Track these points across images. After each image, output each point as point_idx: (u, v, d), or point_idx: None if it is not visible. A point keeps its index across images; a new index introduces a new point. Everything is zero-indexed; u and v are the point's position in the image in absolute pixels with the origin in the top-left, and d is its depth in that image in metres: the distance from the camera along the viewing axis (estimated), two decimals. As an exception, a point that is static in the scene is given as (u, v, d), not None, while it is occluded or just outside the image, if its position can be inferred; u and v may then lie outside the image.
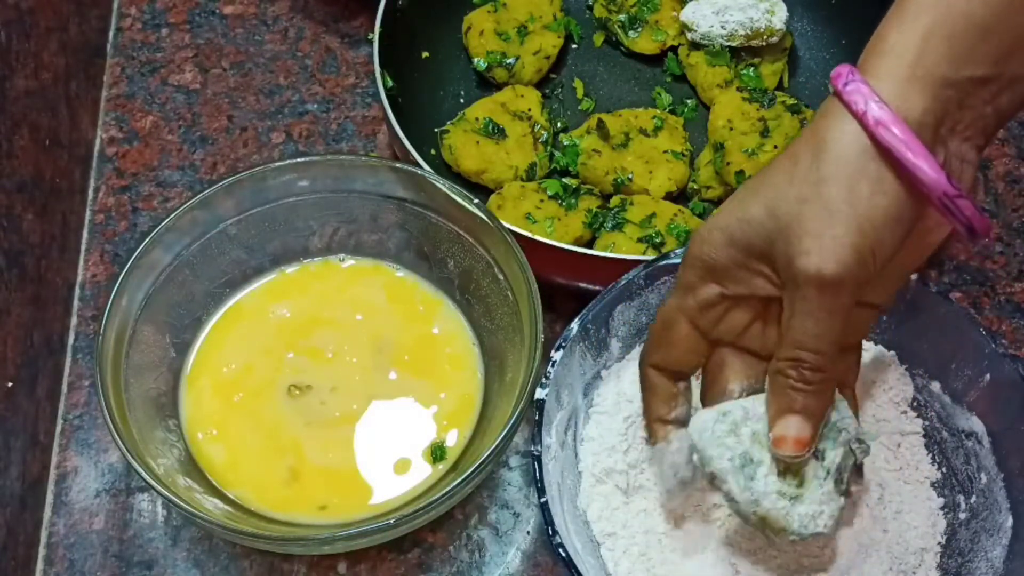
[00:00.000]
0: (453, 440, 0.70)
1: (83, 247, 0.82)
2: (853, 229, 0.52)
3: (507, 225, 0.69)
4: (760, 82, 0.85)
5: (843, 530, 0.64)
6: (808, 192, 0.53)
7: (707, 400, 0.61)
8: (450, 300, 0.74)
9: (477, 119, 0.81)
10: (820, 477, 0.57)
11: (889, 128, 0.51)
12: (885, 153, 0.52)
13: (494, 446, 0.63)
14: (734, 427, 0.58)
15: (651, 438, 0.62)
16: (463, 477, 0.62)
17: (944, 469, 0.67)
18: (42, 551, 0.70)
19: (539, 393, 0.63)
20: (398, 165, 0.72)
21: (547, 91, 0.86)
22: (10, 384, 0.69)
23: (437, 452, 0.69)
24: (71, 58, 0.85)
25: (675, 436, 0.61)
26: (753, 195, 0.55)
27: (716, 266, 0.57)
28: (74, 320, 0.79)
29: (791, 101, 0.82)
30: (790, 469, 0.57)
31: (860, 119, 0.52)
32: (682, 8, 0.87)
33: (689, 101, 0.86)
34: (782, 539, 0.58)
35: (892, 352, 0.68)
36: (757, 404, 0.58)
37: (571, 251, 0.72)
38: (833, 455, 0.58)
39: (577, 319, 0.65)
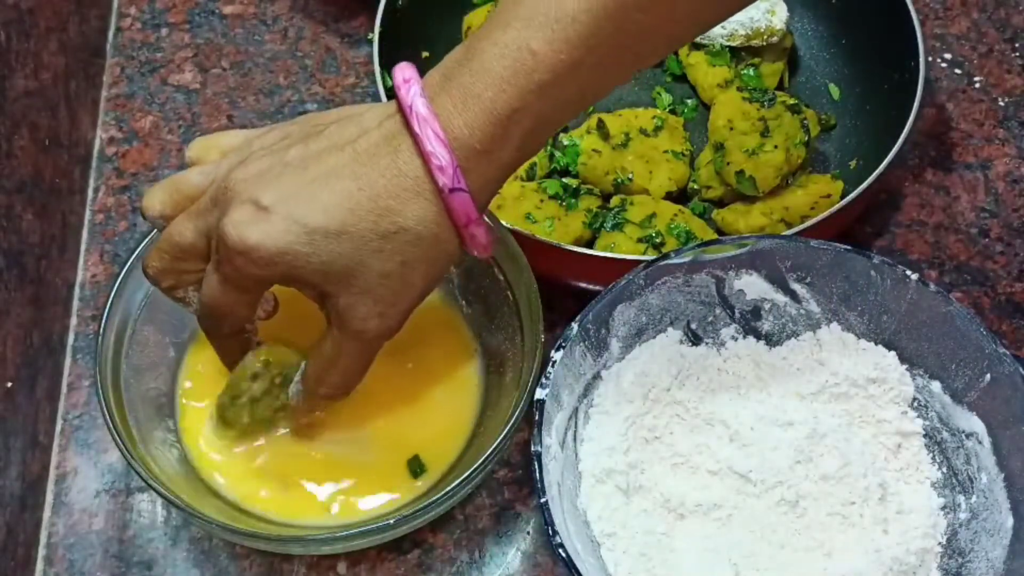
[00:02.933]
0: (453, 440, 0.69)
1: (83, 247, 0.82)
2: (414, 302, 0.60)
3: (507, 225, 0.69)
4: (760, 82, 0.85)
5: (843, 530, 0.64)
6: (392, 269, 0.57)
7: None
8: (450, 300, 0.74)
9: (477, 119, 0.81)
10: None
11: (476, 231, 0.58)
12: (461, 237, 0.58)
13: (494, 446, 0.63)
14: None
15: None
16: (463, 477, 0.62)
17: (944, 469, 0.67)
18: (42, 551, 0.70)
19: (539, 393, 0.63)
20: (398, 165, 0.72)
21: (547, 91, 0.86)
22: (10, 384, 0.69)
23: (436, 453, 0.69)
24: (71, 58, 0.85)
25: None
26: (339, 246, 0.56)
27: (289, 277, 0.58)
28: (74, 320, 0.79)
29: (791, 101, 0.82)
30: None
31: (460, 229, 0.57)
32: (682, 8, 0.87)
33: (689, 101, 0.86)
34: None
35: (892, 352, 0.68)
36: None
37: (571, 251, 0.72)
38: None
39: (577, 319, 0.65)
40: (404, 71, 0.57)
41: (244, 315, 0.61)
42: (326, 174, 0.56)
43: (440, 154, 0.55)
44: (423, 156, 0.56)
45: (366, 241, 0.56)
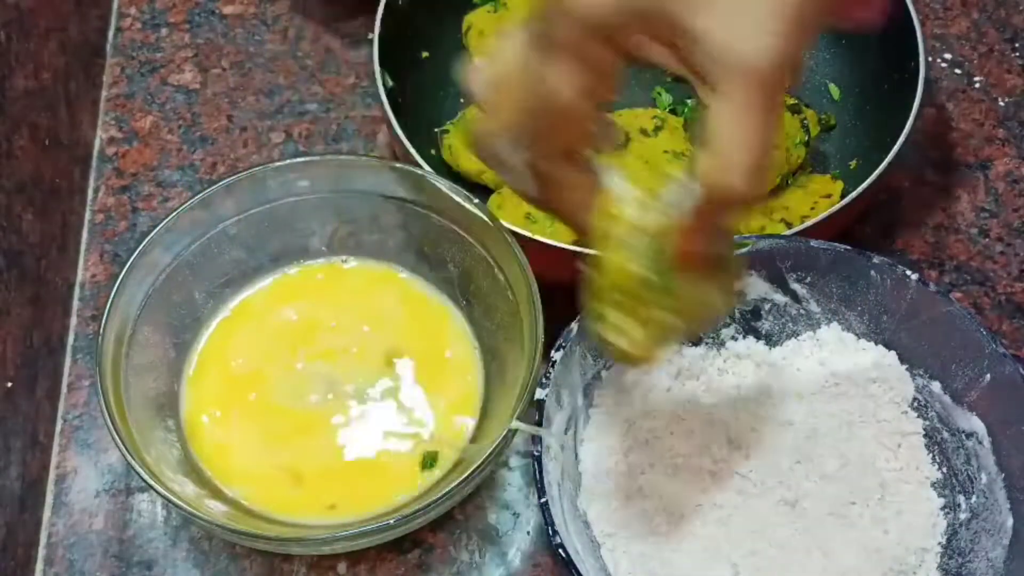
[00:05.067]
0: (453, 440, 0.70)
1: (83, 247, 0.82)
2: (802, 6, 0.42)
3: (507, 225, 0.69)
4: (760, 82, 0.85)
5: (843, 530, 0.64)
6: None
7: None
8: (450, 300, 0.74)
9: (477, 119, 0.81)
10: None
11: None
12: None
13: (494, 446, 0.63)
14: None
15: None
16: (463, 477, 0.62)
17: (944, 469, 0.67)
18: (42, 551, 0.70)
19: (539, 393, 0.63)
20: (398, 165, 0.72)
21: (547, 91, 0.86)
22: (10, 384, 0.69)
23: (433, 456, 0.69)
24: (71, 58, 0.85)
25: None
26: None
27: (607, 26, 0.45)
28: (74, 320, 0.79)
29: (791, 101, 0.82)
30: None
31: None
32: (682, 8, 0.87)
33: (689, 101, 0.86)
34: None
35: (892, 352, 0.68)
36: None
37: (571, 251, 0.71)
38: None
39: (577, 319, 0.65)
40: None
41: (584, 110, 0.47)
42: None
43: None
44: None
45: None
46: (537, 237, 0.71)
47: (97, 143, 0.87)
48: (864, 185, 0.73)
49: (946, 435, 0.67)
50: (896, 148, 0.74)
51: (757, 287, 0.70)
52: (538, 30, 0.46)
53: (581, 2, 0.44)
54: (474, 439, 0.69)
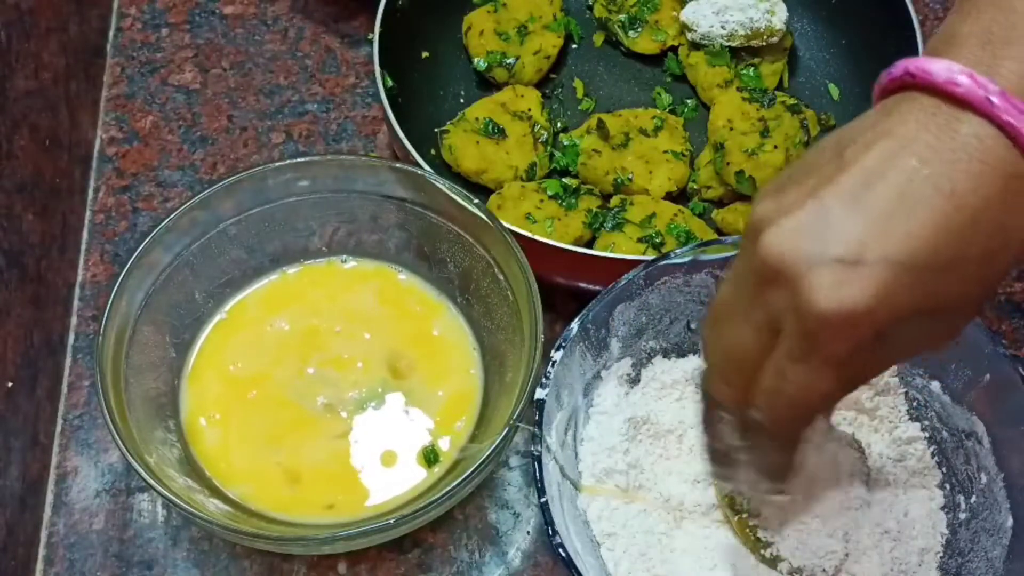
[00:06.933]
0: (453, 441, 0.70)
1: (83, 247, 0.82)
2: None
3: (507, 225, 0.69)
4: (760, 82, 0.85)
5: (843, 529, 0.64)
6: (995, 279, 0.48)
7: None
8: (450, 300, 0.74)
9: (477, 119, 0.81)
10: None
11: None
12: None
13: (494, 446, 0.63)
14: None
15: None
16: (463, 477, 0.62)
17: (944, 469, 0.67)
18: (42, 551, 0.70)
19: (539, 393, 0.63)
20: (398, 165, 0.72)
21: (547, 91, 0.86)
22: (10, 384, 0.69)
23: (435, 453, 0.69)
24: (71, 58, 0.85)
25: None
26: (948, 275, 0.46)
27: (890, 324, 0.48)
28: (74, 320, 0.79)
29: (791, 101, 0.82)
30: None
31: None
32: (682, 8, 0.87)
33: (689, 101, 0.86)
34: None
35: (892, 352, 0.68)
36: None
37: (571, 251, 0.72)
38: None
39: (577, 319, 0.65)
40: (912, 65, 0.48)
41: (838, 394, 0.52)
42: (893, 195, 0.46)
43: None
44: (1013, 137, 0.45)
45: (975, 262, 0.46)
46: (537, 237, 0.71)
47: (97, 143, 0.87)
48: (864, 185, 0.73)
49: (946, 435, 0.67)
50: (896, 148, 0.74)
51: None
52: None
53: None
54: (474, 439, 0.69)
